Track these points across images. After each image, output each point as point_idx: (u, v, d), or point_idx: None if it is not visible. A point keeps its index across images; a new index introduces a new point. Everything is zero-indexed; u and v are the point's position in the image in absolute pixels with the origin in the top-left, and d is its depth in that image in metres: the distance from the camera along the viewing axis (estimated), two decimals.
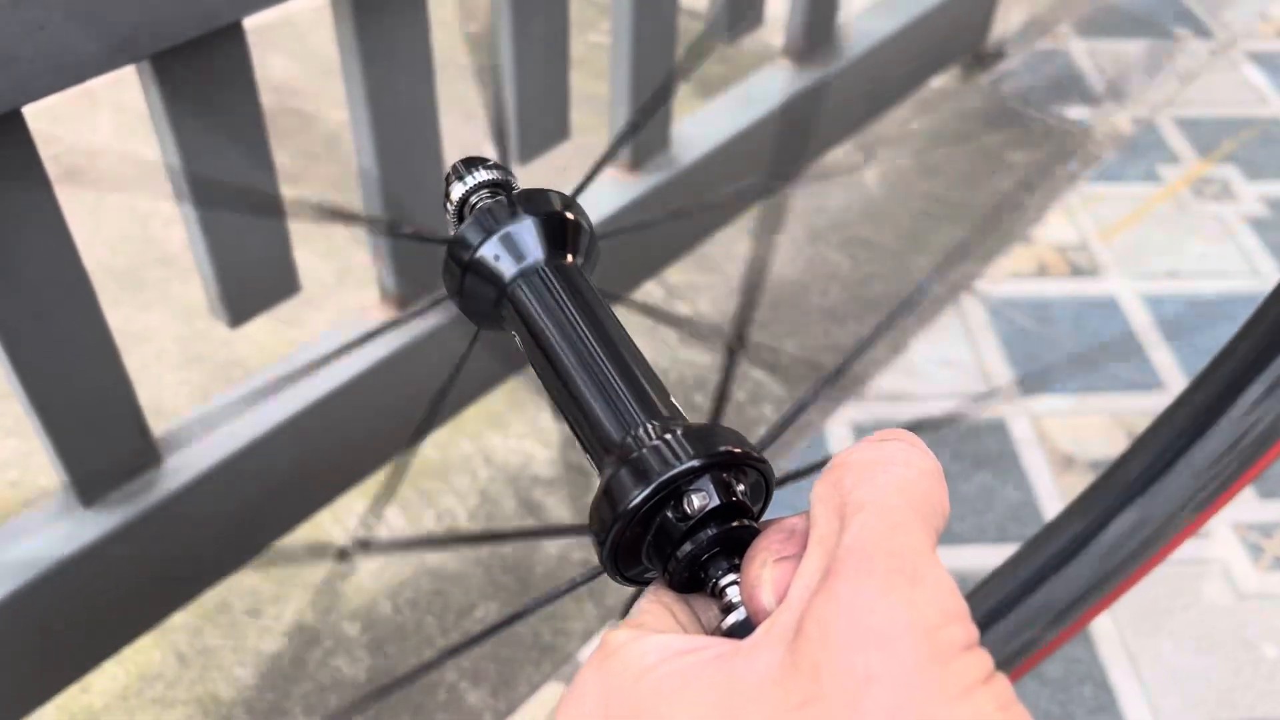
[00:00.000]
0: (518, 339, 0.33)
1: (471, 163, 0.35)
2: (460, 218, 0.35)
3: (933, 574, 0.24)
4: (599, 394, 0.31)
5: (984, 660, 0.23)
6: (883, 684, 0.22)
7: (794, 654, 0.23)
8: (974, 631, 0.23)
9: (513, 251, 0.32)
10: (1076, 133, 1.44)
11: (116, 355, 0.74)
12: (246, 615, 0.92)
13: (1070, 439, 1.06)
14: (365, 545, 0.68)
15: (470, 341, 0.35)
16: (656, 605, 0.29)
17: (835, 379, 0.95)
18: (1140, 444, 0.51)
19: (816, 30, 1.22)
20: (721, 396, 0.31)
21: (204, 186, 0.73)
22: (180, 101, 0.69)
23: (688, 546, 0.28)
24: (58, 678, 0.82)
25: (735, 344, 0.30)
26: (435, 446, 1.04)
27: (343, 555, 0.89)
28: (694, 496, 0.28)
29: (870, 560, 0.24)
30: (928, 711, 0.21)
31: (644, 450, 0.29)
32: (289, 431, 0.86)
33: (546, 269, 0.32)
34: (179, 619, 0.90)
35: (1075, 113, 1.48)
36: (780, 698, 0.23)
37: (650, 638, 0.26)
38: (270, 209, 0.79)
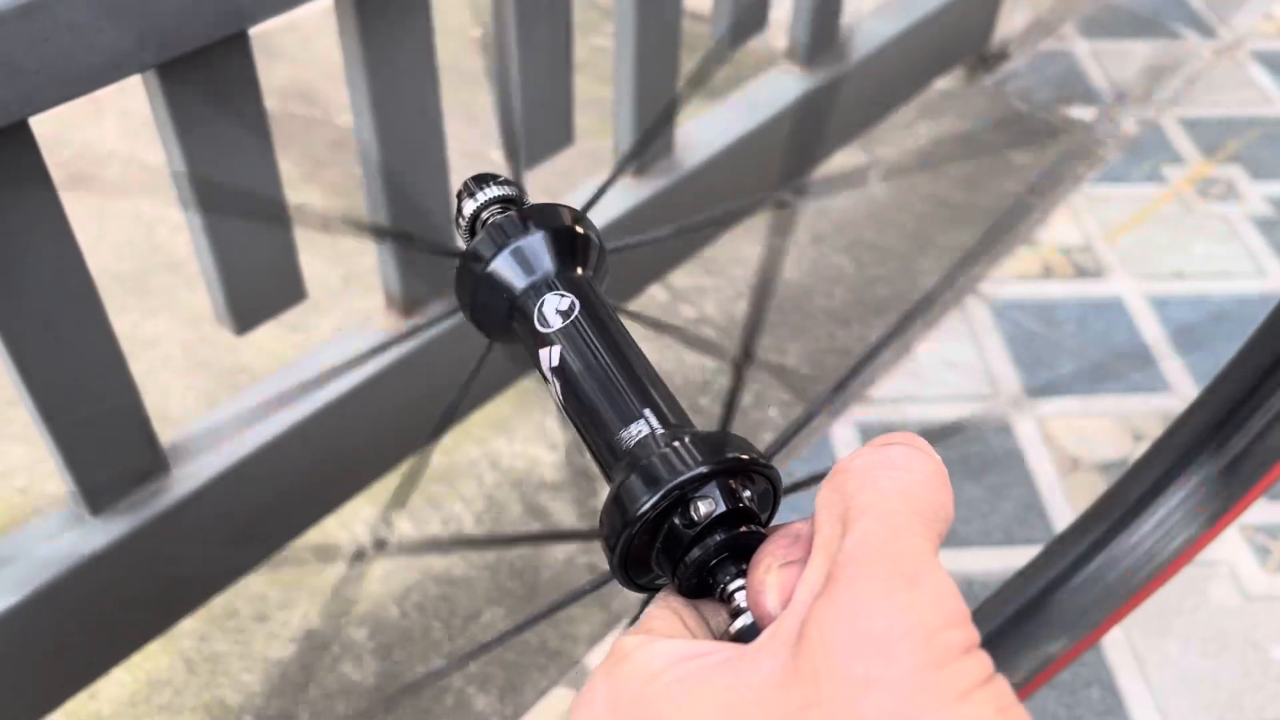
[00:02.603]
0: (527, 350, 0.33)
1: (482, 179, 0.36)
2: (472, 233, 0.35)
3: (933, 577, 0.24)
4: (608, 402, 0.31)
5: (983, 663, 0.23)
6: (881, 688, 0.22)
7: (796, 659, 0.23)
8: (974, 634, 0.23)
9: (523, 265, 0.33)
10: (1081, 133, 1.44)
11: (123, 362, 0.74)
12: (254, 621, 0.92)
13: (1076, 441, 1.06)
14: (381, 545, 0.68)
15: (482, 355, 0.36)
16: (665, 611, 0.29)
17: (842, 389, 0.95)
18: (1154, 451, 0.51)
19: (820, 33, 1.22)
20: (730, 408, 0.31)
21: (210, 192, 0.74)
22: (186, 109, 0.69)
23: (696, 552, 0.29)
24: (66, 685, 0.82)
25: (741, 359, 0.30)
26: (441, 451, 1.04)
27: (358, 557, 0.90)
28: (701, 503, 0.29)
29: (870, 565, 0.24)
30: (925, 715, 0.22)
31: (652, 458, 0.29)
32: (296, 437, 0.86)
33: (556, 282, 0.33)
34: (187, 625, 0.90)
35: (1079, 113, 1.47)
36: (782, 702, 0.23)
37: (658, 643, 0.26)
38: (277, 215, 0.79)
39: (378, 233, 0.81)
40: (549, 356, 0.33)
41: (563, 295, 0.33)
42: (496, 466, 1.03)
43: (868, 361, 1.03)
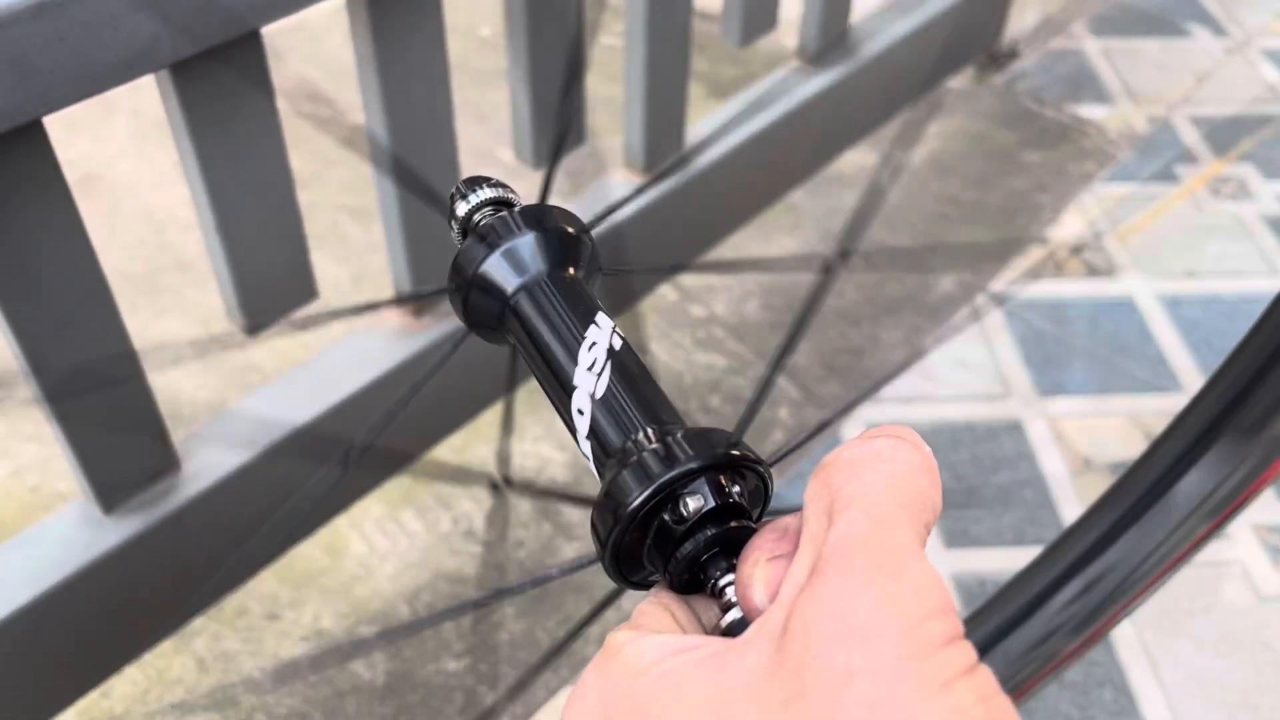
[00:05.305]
0: (521, 350, 0.34)
1: (474, 182, 0.36)
2: (465, 235, 0.36)
3: (916, 569, 0.24)
4: (599, 400, 0.31)
5: (966, 653, 0.23)
6: (863, 679, 0.22)
7: (781, 651, 0.24)
8: (957, 625, 0.23)
9: (515, 266, 0.33)
10: (1092, 132, 1.43)
11: (136, 362, 0.74)
12: (265, 620, 0.92)
13: (1088, 440, 1.05)
14: (344, 460, 0.67)
15: (457, 341, 0.37)
16: (656, 606, 0.29)
17: (856, 405, 0.95)
18: (1158, 446, 0.51)
19: (830, 32, 1.22)
20: (751, 411, 0.32)
21: (221, 192, 0.74)
22: (199, 109, 0.69)
23: (686, 548, 0.29)
24: (79, 683, 0.82)
25: (739, 435, 0.31)
26: (451, 451, 1.04)
27: (495, 487, 0.89)
28: (690, 499, 0.29)
29: (853, 557, 0.24)
30: (906, 705, 0.22)
31: (642, 454, 0.29)
32: (306, 436, 0.86)
33: (548, 281, 0.33)
34: (199, 624, 0.91)
35: (1090, 112, 1.47)
36: (767, 694, 0.23)
37: (648, 638, 0.27)
38: (288, 212, 0.79)
39: (379, 159, 0.81)
40: (541, 356, 0.33)
41: (553, 292, 0.33)
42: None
43: (884, 383, 1.03)
